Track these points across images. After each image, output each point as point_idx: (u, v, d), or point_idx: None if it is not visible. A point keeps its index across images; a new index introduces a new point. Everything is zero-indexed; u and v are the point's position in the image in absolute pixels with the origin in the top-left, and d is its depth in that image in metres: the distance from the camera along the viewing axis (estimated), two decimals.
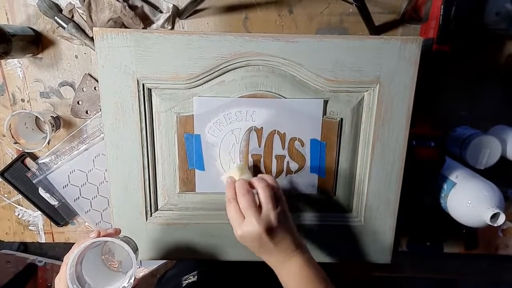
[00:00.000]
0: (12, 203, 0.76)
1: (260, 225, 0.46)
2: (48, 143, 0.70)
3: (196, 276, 0.65)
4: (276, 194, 0.49)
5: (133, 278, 0.47)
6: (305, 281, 0.48)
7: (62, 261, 0.47)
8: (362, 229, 0.61)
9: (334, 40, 0.53)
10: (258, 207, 0.47)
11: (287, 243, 0.48)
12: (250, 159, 0.58)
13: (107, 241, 0.47)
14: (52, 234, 0.78)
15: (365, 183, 0.59)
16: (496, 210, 0.54)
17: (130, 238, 0.53)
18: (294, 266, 0.48)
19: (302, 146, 0.58)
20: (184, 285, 0.64)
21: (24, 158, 0.73)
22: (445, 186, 0.63)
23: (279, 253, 0.48)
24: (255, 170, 0.59)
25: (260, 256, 0.50)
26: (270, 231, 0.46)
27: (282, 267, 0.49)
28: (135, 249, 0.52)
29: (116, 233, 0.50)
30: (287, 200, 0.51)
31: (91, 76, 0.69)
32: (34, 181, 0.72)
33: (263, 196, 0.48)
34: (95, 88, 0.69)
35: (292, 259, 0.48)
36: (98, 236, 0.46)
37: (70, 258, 0.44)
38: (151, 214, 0.60)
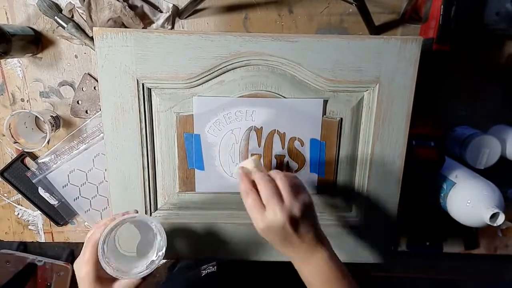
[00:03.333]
0: (11, 202, 0.76)
1: (283, 214, 0.43)
2: (48, 142, 0.70)
3: (215, 267, 0.64)
4: (297, 186, 0.47)
5: (163, 250, 0.47)
6: (329, 277, 0.46)
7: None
8: (362, 229, 0.61)
9: (334, 40, 0.53)
10: (280, 198, 0.45)
11: (311, 236, 0.46)
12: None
13: (135, 217, 0.48)
14: (52, 234, 0.78)
15: (365, 183, 0.59)
16: (496, 210, 0.54)
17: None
18: (319, 260, 0.46)
19: (302, 146, 0.58)
20: (203, 274, 0.63)
21: (23, 157, 0.73)
22: (444, 186, 0.63)
23: (302, 246, 0.46)
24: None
25: (283, 250, 0.47)
26: (294, 221, 0.44)
27: (305, 262, 0.47)
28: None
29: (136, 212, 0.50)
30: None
31: (90, 75, 0.69)
32: (33, 181, 0.72)
33: (283, 186, 0.46)
34: (94, 87, 0.69)
35: (316, 253, 0.46)
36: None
37: (102, 233, 0.44)
38: (150, 213, 0.60)
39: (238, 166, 0.53)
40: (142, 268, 0.47)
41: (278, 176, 0.47)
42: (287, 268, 0.63)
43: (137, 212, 0.50)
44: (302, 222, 0.45)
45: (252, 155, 0.58)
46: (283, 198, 0.45)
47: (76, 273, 0.46)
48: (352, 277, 0.48)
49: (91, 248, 0.45)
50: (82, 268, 0.45)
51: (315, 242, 0.46)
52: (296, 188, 0.47)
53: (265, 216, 0.44)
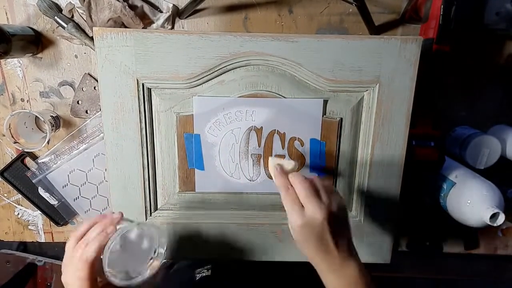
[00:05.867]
0: (11, 202, 0.76)
1: (323, 211, 0.43)
2: (48, 142, 0.70)
3: (210, 270, 0.64)
4: (331, 188, 0.47)
5: (164, 247, 0.47)
6: None
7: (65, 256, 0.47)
8: (361, 229, 0.61)
9: (334, 40, 0.53)
10: (318, 196, 0.44)
11: (345, 244, 0.45)
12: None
13: (128, 227, 0.47)
14: (52, 234, 0.78)
15: (365, 183, 0.59)
16: (496, 210, 0.55)
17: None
18: (351, 272, 0.44)
19: (302, 146, 0.58)
20: (197, 278, 0.63)
21: (23, 157, 0.73)
22: (444, 186, 0.63)
23: (336, 254, 0.44)
24: None
25: (314, 254, 0.45)
26: (332, 221, 0.43)
27: (335, 272, 0.45)
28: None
29: (122, 215, 0.49)
30: None
31: (90, 75, 0.69)
32: (33, 181, 0.72)
33: (320, 187, 0.45)
34: (94, 87, 0.69)
35: (348, 265, 0.45)
36: (114, 228, 0.46)
37: (104, 253, 0.44)
38: (150, 213, 0.60)
39: (275, 162, 0.51)
40: (144, 271, 0.47)
41: (313, 178, 0.47)
42: (282, 272, 0.63)
43: (122, 216, 0.49)
44: (339, 225, 0.44)
45: (252, 155, 0.58)
46: (321, 197, 0.44)
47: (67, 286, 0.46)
48: None
49: (87, 267, 0.44)
50: (77, 283, 0.45)
51: (348, 254, 0.45)
52: (331, 190, 0.47)
53: (304, 213, 0.43)
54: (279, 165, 0.50)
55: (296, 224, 0.44)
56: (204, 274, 0.64)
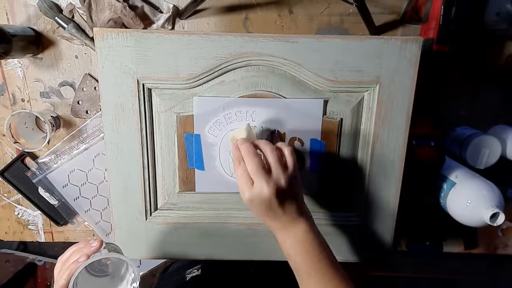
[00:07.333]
0: (11, 202, 0.77)
1: (270, 188, 0.45)
2: (48, 142, 0.70)
3: (200, 270, 0.65)
4: (287, 157, 0.49)
5: (137, 282, 0.47)
6: (308, 247, 0.47)
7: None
8: (362, 229, 0.61)
9: (334, 40, 0.53)
10: (268, 170, 0.47)
11: (294, 208, 0.48)
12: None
13: (101, 258, 0.47)
14: (52, 234, 0.78)
15: (365, 183, 0.59)
16: (496, 210, 0.55)
17: (114, 244, 0.53)
18: (299, 231, 0.48)
19: (302, 146, 0.58)
20: (188, 278, 0.64)
21: (24, 157, 0.73)
22: (444, 186, 0.63)
23: (284, 217, 0.47)
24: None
25: (264, 220, 0.49)
26: (279, 194, 0.46)
27: (285, 232, 0.48)
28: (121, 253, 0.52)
29: (101, 244, 0.49)
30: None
31: (91, 76, 0.69)
32: (34, 181, 0.72)
33: (272, 159, 0.47)
34: (95, 88, 0.69)
35: (296, 224, 0.48)
36: (87, 257, 0.46)
37: (70, 282, 0.44)
38: (150, 213, 0.60)
39: (231, 137, 0.54)
40: None
41: (268, 149, 0.48)
42: (271, 272, 0.64)
43: (102, 243, 0.49)
44: (288, 194, 0.47)
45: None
46: (271, 171, 0.46)
47: None
48: (331, 252, 0.49)
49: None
50: None
51: (296, 215, 0.48)
52: (287, 160, 0.49)
53: (251, 188, 0.46)
54: (237, 139, 0.52)
55: (245, 198, 0.47)
56: (194, 274, 0.65)
